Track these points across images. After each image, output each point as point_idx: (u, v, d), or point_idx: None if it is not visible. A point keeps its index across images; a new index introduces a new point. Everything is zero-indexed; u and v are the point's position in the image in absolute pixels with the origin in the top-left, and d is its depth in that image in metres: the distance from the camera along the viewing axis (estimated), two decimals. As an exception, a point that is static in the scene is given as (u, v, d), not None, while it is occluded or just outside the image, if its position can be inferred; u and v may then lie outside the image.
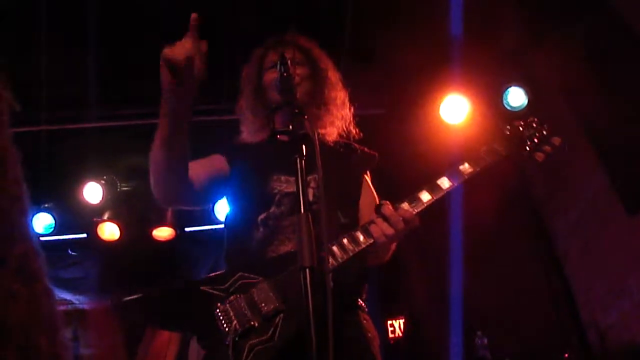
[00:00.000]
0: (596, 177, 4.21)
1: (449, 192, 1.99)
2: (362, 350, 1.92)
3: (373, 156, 2.34)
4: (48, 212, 4.97)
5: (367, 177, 2.30)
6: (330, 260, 1.80)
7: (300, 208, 1.44)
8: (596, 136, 4.16)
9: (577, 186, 4.49)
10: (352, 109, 2.34)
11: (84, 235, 5.21)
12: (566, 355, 4.20)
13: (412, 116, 4.86)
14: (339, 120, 2.28)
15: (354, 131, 2.32)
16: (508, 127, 2.15)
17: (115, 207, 5.15)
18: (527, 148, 2.10)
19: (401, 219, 1.83)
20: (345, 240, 1.85)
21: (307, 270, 1.36)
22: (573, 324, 4.59)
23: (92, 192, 4.98)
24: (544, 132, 2.11)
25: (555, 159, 4.56)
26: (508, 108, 4.40)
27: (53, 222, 4.98)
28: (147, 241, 5.19)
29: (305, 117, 1.61)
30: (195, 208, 2.39)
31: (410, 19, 4.08)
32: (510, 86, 4.41)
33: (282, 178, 2.06)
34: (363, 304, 2.03)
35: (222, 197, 2.29)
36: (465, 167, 2.02)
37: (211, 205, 4.52)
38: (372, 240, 1.84)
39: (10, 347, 0.67)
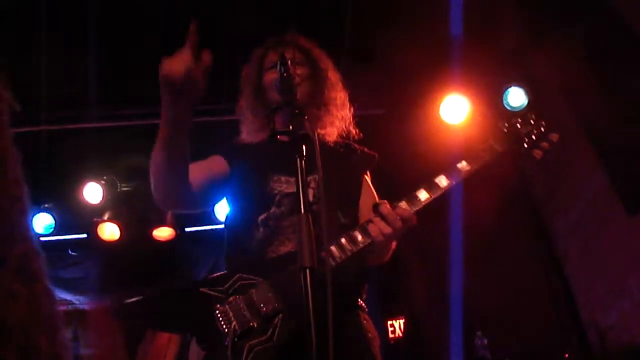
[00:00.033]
0: (596, 177, 4.21)
1: (449, 192, 1.98)
2: (362, 350, 1.91)
3: (373, 156, 2.34)
4: (48, 212, 4.97)
5: (367, 177, 2.30)
6: (329, 260, 1.80)
7: (301, 208, 1.44)
8: (596, 136, 4.16)
9: (577, 186, 4.49)
10: (352, 110, 2.34)
11: (84, 235, 5.22)
12: (566, 355, 4.20)
13: (412, 116, 4.86)
14: (338, 120, 2.28)
15: (353, 131, 2.32)
16: (506, 124, 2.14)
17: (116, 207, 5.16)
18: (525, 145, 2.08)
19: (399, 217, 1.83)
20: (343, 240, 1.84)
21: (307, 270, 1.36)
22: (573, 324, 4.59)
23: (92, 192, 4.98)
24: (542, 129, 2.09)
25: (555, 159, 4.57)
26: (508, 108, 4.40)
27: (53, 222, 4.98)
28: (147, 241, 5.19)
29: (305, 117, 1.61)
30: (195, 211, 2.39)
31: (410, 19, 4.08)
32: (510, 86, 4.41)
33: (282, 178, 2.06)
34: (363, 304, 2.03)
35: (222, 198, 2.29)
36: (463, 165, 2.01)
37: (211, 207, 4.52)
38: (370, 240, 1.84)
39: (10, 347, 0.67)
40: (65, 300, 5.04)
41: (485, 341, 4.08)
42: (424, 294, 5.10)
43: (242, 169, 2.17)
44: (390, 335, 4.92)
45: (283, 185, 2.05)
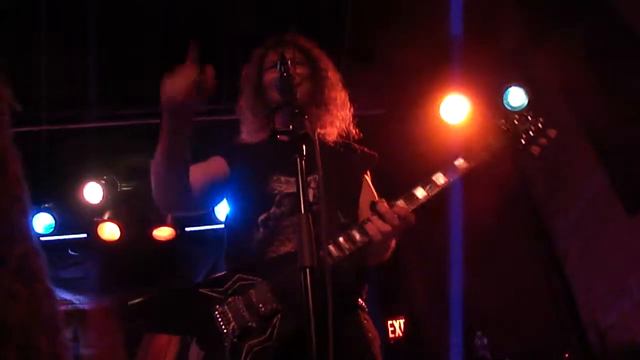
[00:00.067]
0: (596, 177, 4.21)
1: (448, 191, 1.97)
2: (362, 350, 1.92)
3: (373, 156, 2.34)
4: (48, 212, 4.97)
5: (367, 177, 2.30)
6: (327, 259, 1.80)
7: (301, 208, 1.44)
8: (596, 136, 4.16)
9: (577, 186, 4.49)
10: (352, 109, 2.34)
11: (84, 235, 5.22)
12: (566, 355, 4.20)
13: (412, 116, 4.85)
14: (338, 120, 2.28)
15: (353, 131, 2.32)
16: (503, 121, 2.13)
17: (116, 207, 5.15)
18: (523, 141, 2.07)
19: (396, 215, 1.83)
20: (341, 239, 1.84)
21: (307, 270, 1.36)
22: (573, 324, 4.59)
23: (92, 192, 4.98)
24: (540, 125, 2.08)
25: (555, 159, 4.56)
26: (508, 108, 4.40)
27: (53, 222, 4.98)
28: (147, 241, 5.19)
29: (306, 117, 1.61)
30: (195, 213, 2.41)
31: (410, 19, 4.08)
32: (510, 86, 4.41)
33: (282, 179, 2.06)
34: (363, 304, 2.03)
35: (222, 199, 2.30)
36: (461, 162, 2.00)
37: (211, 208, 4.52)
38: (368, 239, 1.84)
39: (10, 347, 0.67)
40: (65, 300, 5.04)
41: (485, 341, 4.08)
42: (424, 294, 5.10)
43: (242, 169, 2.18)
44: (390, 335, 4.92)
45: (283, 185, 2.05)
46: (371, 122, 3.00)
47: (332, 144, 2.23)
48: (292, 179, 1.69)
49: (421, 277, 5.15)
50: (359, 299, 2.02)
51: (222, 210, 4.49)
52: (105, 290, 5.12)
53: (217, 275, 1.93)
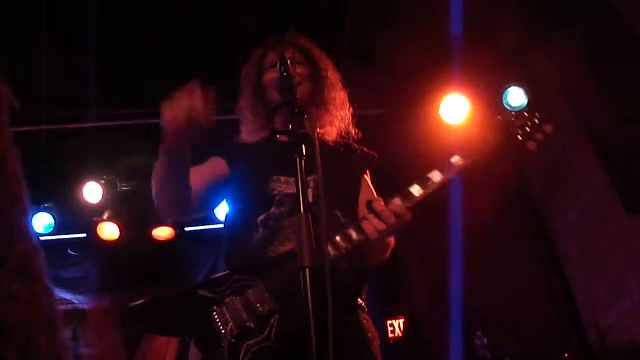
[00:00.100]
0: (596, 177, 4.21)
1: (448, 191, 1.97)
2: (362, 350, 1.91)
3: (373, 156, 2.34)
4: (48, 212, 4.97)
5: (367, 177, 2.29)
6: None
7: (301, 208, 1.44)
8: (596, 136, 4.16)
9: (577, 186, 4.49)
10: (351, 109, 2.34)
11: (84, 235, 5.22)
12: (566, 355, 4.20)
13: (412, 116, 4.85)
14: (338, 120, 2.28)
15: (353, 131, 2.32)
16: (499, 118, 2.12)
17: (115, 207, 5.15)
18: (520, 137, 2.06)
19: (393, 214, 1.83)
20: (338, 238, 1.84)
21: (307, 270, 1.36)
22: (573, 324, 4.59)
23: (92, 192, 4.98)
24: (536, 121, 2.07)
25: (555, 159, 4.56)
26: (508, 108, 4.40)
27: (53, 222, 4.98)
28: (147, 241, 5.20)
29: (305, 116, 1.61)
30: (196, 216, 2.44)
31: (410, 19, 4.08)
32: (510, 86, 4.41)
33: (282, 179, 2.06)
34: (363, 304, 2.03)
35: (222, 200, 2.30)
36: (457, 160, 1.99)
37: (212, 210, 4.53)
38: (365, 238, 1.83)
39: (10, 347, 0.67)
40: (65, 300, 5.04)
41: (485, 341, 4.08)
42: (424, 294, 5.10)
43: (242, 169, 2.18)
44: (390, 335, 4.92)
45: (283, 185, 2.05)
46: (371, 122, 3.00)
47: (332, 144, 2.23)
48: (292, 180, 1.69)
49: (421, 277, 5.15)
50: (359, 299, 2.02)
51: (222, 210, 4.49)
52: (105, 290, 5.12)
53: (216, 276, 1.94)
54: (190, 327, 1.85)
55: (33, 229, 0.81)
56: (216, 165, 2.20)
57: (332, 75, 2.32)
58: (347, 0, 4.05)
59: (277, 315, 1.77)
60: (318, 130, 2.12)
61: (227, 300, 1.82)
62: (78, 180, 4.98)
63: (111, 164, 5.09)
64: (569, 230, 4.67)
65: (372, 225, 1.82)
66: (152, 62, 4.22)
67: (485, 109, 4.54)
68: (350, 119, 2.32)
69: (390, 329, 4.94)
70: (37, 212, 4.91)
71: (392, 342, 4.89)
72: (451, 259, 4.55)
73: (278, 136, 1.75)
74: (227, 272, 1.94)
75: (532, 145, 2.03)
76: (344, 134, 2.30)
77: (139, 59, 4.26)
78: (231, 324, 1.76)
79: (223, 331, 1.76)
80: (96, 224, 5.10)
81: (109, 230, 5.12)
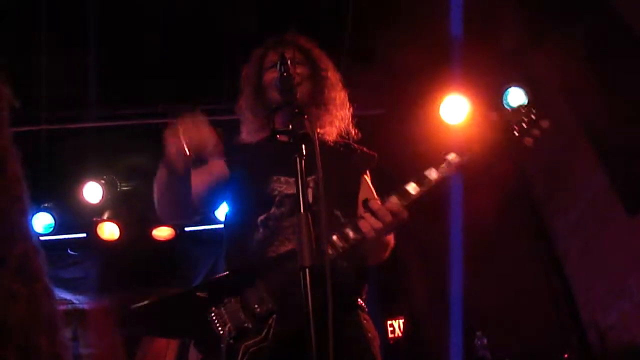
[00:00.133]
0: (596, 177, 4.21)
1: (448, 191, 1.97)
2: (362, 350, 1.91)
3: (372, 156, 2.34)
4: (48, 212, 4.97)
5: (367, 177, 2.29)
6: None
7: (300, 208, 1.44)
8: (596, 136, 4.15)
9: (577, 186, 4.49)
10: (351, 109, 2.34)
11: (84, 235, 5.22)
12: (566, 355, 4.20)
13: (412, 116, 4.85)
14: (338, 120, 2.28)
15: (353, 131, 2.31)
16: (495, 114, 2.12)
17: (115, 206, 5.15)
18: (516, 133, 2.05)
19: (389, 212, 1.82)
20: (335, 237, 1.83)
21: (307, 270, 1.36)
22: (573, 324, 4.59)
23: (92, 192, 4.98)
24: (533, 117, 2.06)
25: (555, 159, 4.55)
26: (508, 108, 4.40)
27: (53, 221, 4.98)
28: (147, 241, 5.20)
29: (305, 117, 1.61)
30: (196, 218, 2.46)
31: (410, 19, 4.08)
32: (510, 86, 4.41)
33: (282, 179, 2.06)
34: (363, 304, 2.02)
35: (223, 202, 2.30)
36: (453, 157, 1.98)
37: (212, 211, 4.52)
38: (361, 236, 1.83)
39: (10, 347, 0.67)
40: (65, 299, 5.04)
41: (485, 341, 4.08)
42: (424, 294, 5.10)
43: (242, 170, 2.18)
44: (390, 335, 4.92)
45: (283, 186, 2.04)
46: (371, 122, 3.00)
47: (332, 144, 2.23)
48: (292, 180, 1.69)
49: (421, 277, 5.15)
50: (359, 299, 2.02)
51: (222, 210, 4.49)
52: (104, 290, 5.12)
53: (215, 277, 1.94)
54: (189, 328, 1.85)
55: (33, 228, 0.81)
56: (216, 167, 2.20)
57: (332, 75, 2.32)
58: (347, 0, 4.05)
59: (274, 316, 1.77)
60: (318, 130, 2.12)
61: (226, 301, 1.82)
62: (78, 180, 4.98)
63: (111, 164, 5.09)
64: (569, 230, 4.67)
65: (368, 223, 1.81)
66: (152, 62, 4.22)
67: (485, 109, 4.54)
68: (350, 119, 2.32)
69: (390, 329, 4.94)
70: (37, 212, 4.91)
71: (391, 342, 4.89)
72: (451, 259, 4.55)
73: (278, 136, 1.75)
74: (226, 272, 1.94)
75: (528, 141, 2.03)
76: (344, 134, 2.30)
77: (139, 59, 4.26)
78: (229, 325, 1.76)
79: (221, 332, 1.76)
80: (96, 223, 5.10)
81: (108, 230, 5.12)
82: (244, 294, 1.82)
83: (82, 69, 4.07)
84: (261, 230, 2.00)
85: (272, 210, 2.01)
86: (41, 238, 4.90)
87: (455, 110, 4.62)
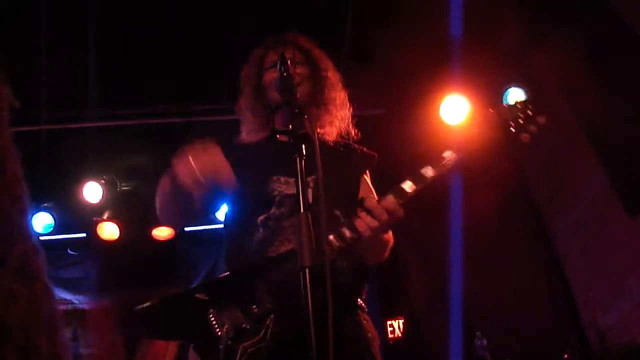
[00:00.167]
0: (596, 177, 4.21)
1: (448, 191, 1.97)
2: (362, 350, 1.91)
3: (372, 156, 2.34)
4: (48, 212, 4.97)
5: (367, 177, 2.29)
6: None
7: (301, 208, 1.44)
8: (596, 136, 4.15)
9: (577, 186, 4.49)
10: (351, 109, 2.33)
11: (84, 234, 5.22)
12: (566, 355, 4.19)
13: (412, 116, 4.85)
14: (338, 120, 2.27)
15: (353, 131, 2.31)
16: (492, 111, 2.11)
17: (115, 206, 5.15)
18: (512, 129, 2.04)
19: (384, 210, 1.82)
20: (331, 237, 1.83)
21: (307, 270, 1.36)
22: (573, 324, 4.59)
23: (92, 192, 4.98)
24: (529, 113, 2.06)
25: (555, 159, 4.54)
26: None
27: (53, 221, 4.98)
28: (146, 241, 5.20)
29: (305, 117, 1.61)
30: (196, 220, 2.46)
31: (410, 19, 4.08)
32: (510, 86, 4.41)
33: (282, 179, 2.05)
34: (363, 304, 2.02)
35: (223, 203, 2.30)
36: (449, 154, 1.98)
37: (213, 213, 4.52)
38: (357, 235, 1.82)
39: (10, 347, 0.67)
40: (65, 299, 5.04)
41: (485, 341, 4.07)
42: (424, 294, 5.10)
43: (242, 170, 2.17)
44: (390, 336, 4.92)
45: (283, 186, 2.04)
46: (371, 122, 3.00)
47: (332, 144, 2.22)
48: (292, 180, 1.69)
49: (421, 277, 5.15)
50: (359, 299, 2.01)
51: (222, 210, 4.49)
52: (104, 289, 5.12)
53: (214, 278, 1.94)
54: (188, 330, 1.85)
55: (33, 228, 0.81)
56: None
57: (332, 75, 2.32)
58: (347, 0, 4.05)
59: (272, 316, 1.77)
60: (318, 130, 2.12)
61: (224, 302, 1.82)
62: (78, 180, 4.98)
63: (111, 163, 5.09)
64: (569, 230, 4.67)
65: (364, 222, 1.81)
66: (152, 62, 4.22)
67: (482, 107, 4.53)
68: (350, 119, 2.32)
69: (389, 329, 4.94)
70: (37, 212, 4.91)
71: (391, 342, 4.89)
72: (451, 259, 4.55)
73: (278, 136, 1.74)
74: (226, 273, 1.94)
75: (525, 137, 2.02)
76: (343, 134, 2.30)
77: (139, 59, 4.26)
78: (227, 326, 1.76)
79: (219, 333, 1.76)
80: (96, 223, 5.10)
81: (108, 230, 5.12)
82: (242, 295, 1.82)
83: (82, 69, 4.07)
84: (261, 230, 2.00)
85: (272, 210, 2.01)
86: (41, 238, 4.90)
87: (455, 110, 4.62)
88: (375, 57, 4.24)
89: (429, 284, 5.04)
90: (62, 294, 5.01)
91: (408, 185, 1.89)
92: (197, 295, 1.86)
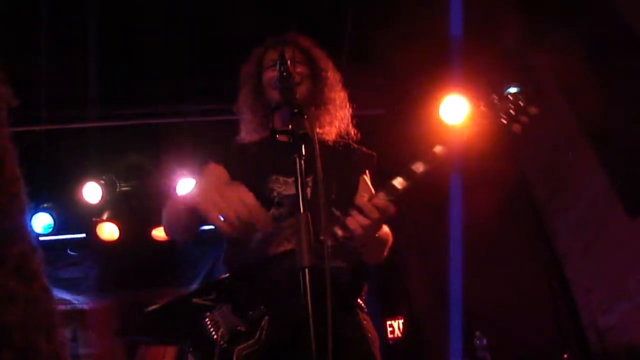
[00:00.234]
0: (596, 178, 4.21)
1: (449, 191, 1.96)
2: (362, 350, 1.91)
3: (372, 156, 2.33)
4: (47, 212, 4.97)
5: (367, 177, 2.29)
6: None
7: (300, 208, 1.44)
8: (596, 136, 4.15)
9: (577, 186, 4.49)
10: (351, 109, 2.33)
11: (83, 235, 5.22)
12: (565, 355, 4.19)
13: (412, 116, 4.85)
14: (338, 120, 2.27)
15: (353, 131, 2.31)
16: (482, 103, 2.11)
17: (115, 207, 5.15)
18: (504, 120, 2.03)
19: (375, 208, 1.81)
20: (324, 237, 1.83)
21: (307, 270, 1.36)
22: (573, 324, 4.59)
23: (92, 192, 4.98)
24: (521, 103, 2.05)
25: (555, 159, 4.54)
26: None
27: (52, 221, 4.98)
28: (146, 241, 5.19)
29: (305, 116, 1.60)
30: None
31: (410, 19, 4.08)
32: (510, 86, 4.40)
33: (281, 179, 2.05)
34: (362, 304, 2.02)
35: None
36: (439, 149, 1.98)
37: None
38: (349, 234, 1.81)
39: (8, 347, 0.67)
40: (65, 300, 5.04)
41: (485, 341, 4.08)
42: (424, 294, 5.10)
43: (241, 170, 2.16)
44: (390, 336, 4.92)
45: (282, 186, 2.04)
46: (371, 122, 3.00)
47: (331, 144, 2.22)
48: (291, 180, 1.68)
49: (421, 277, 5.15)
50: (358, 299, 2.01)
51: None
52: (104, 290, 5.12)
53: (210, 281, 1.93)
54: (185, 336, 1.85)
55: (31, 228, 0.81)
56: (217, 175, 2.19)
57: (332, 75, 2.32)
58: (347, 1, 4.05)
59: (267, 318, 1.77)
60: (317, 130, 2.11)
61: (220, 305, 1.81)
62: (77, 180, 4.98)
63: (111, 164, 5.09)
64: (569, 230, 4.67)
65: (355, 221, 1.80)
66: (152, 62, 4.22)
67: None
68: (350, 119, 2.31)
69: (389, 329, 4.94)
70: (36, 212, 4.91)
71: (391, 342, 4.89)
72: (451, 259, 4.55)
73: (277, 136, 1.74)
74: (221, 276, 1.94)
75: (516, 127, 2.01)
76: (343, 134, 2.29)
77: (139, 59, 4.26)
78: (222, 329, 1.75)
79: (215, 337, 1.75)
80: (95, 224, 5.10)
81: (108, 231, 5.12)
82: (238, 297, 1.82)
83: (82, 69, 4.07)
84: (261, 230, 1.99)
85: (271, 210, 2.00)
86: (41, 238, 4.90)
87: (455, 110, 4.62)
88: (375, 57, 4.24)
89: (429, 284, 5.04)
90: (61, 294, 5.01)
91: (398, 182, 1.87)
92: (194, 300, 1.85)
